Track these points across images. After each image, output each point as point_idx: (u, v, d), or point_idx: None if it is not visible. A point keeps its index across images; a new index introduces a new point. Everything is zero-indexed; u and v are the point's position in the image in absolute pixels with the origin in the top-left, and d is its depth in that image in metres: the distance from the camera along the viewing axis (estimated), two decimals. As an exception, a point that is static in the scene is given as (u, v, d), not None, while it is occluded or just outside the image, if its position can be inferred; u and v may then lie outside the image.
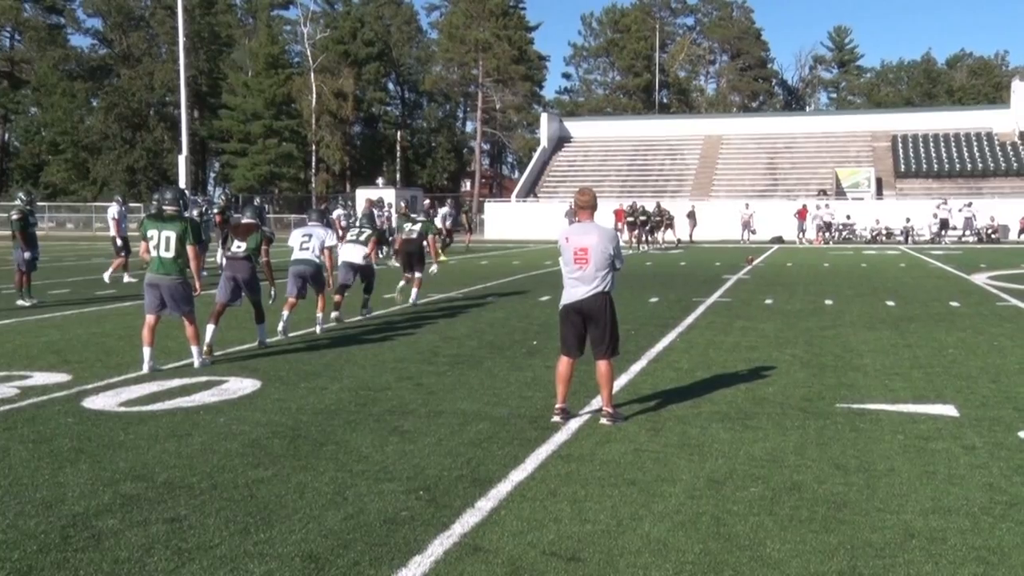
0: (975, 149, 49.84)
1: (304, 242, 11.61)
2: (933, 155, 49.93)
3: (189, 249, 8.88)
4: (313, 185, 69.63)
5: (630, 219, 35.60)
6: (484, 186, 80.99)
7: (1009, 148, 49.49)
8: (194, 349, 9.12)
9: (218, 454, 5.88)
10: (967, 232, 40.86)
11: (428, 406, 7.28)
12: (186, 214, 9.23)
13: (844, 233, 42.91)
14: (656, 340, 10.81)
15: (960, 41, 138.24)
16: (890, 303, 14.91)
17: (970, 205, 41.34)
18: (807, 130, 54.70)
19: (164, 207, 8.95)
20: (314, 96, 67.82)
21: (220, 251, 21.86)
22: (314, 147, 69.52)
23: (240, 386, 8.09)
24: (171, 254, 8.83)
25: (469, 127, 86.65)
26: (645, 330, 11.67)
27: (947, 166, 48.74)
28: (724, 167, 53.02)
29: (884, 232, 41.88)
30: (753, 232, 41.27)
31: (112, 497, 5.00)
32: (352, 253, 13.04)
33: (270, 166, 65.92)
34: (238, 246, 10.28)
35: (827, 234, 41.47)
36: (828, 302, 15.15)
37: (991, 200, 43.85)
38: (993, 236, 40.34)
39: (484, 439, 6.25)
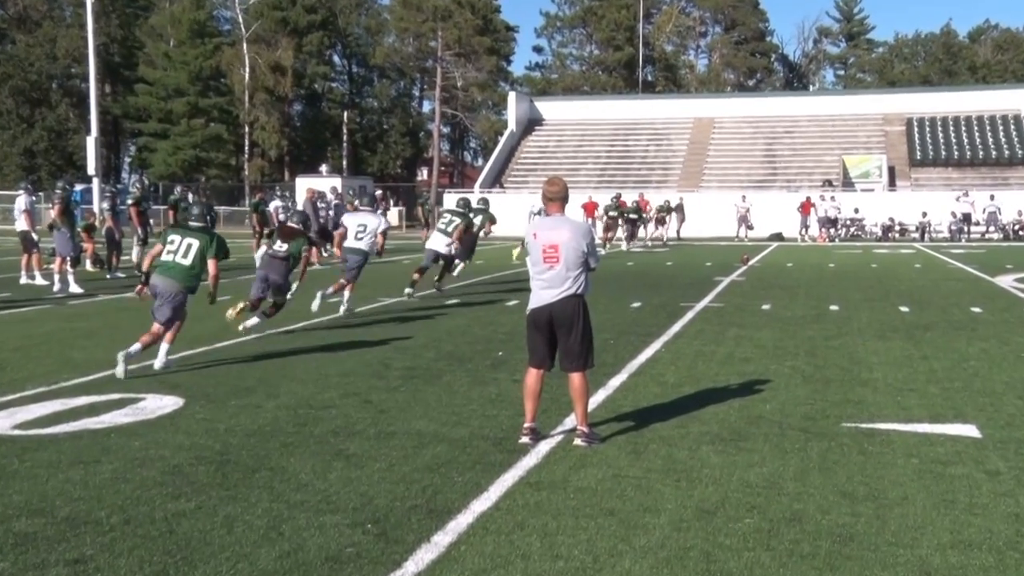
0: (1001, 134, 50.59)
1: (359, 232, 14.00)
2: (953, 141, 50.63)
3: (210, 263, 9.72)
4: (246, 172, 69.21)
5: (612, 214, 35.53)
6: (444, 175, 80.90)
7: (1038, 133, 50.36)
8: (164, 347, 9.61)
9: (132, 484, 5.82)
10: (991, 228, 41.48)
11: (377, 426, 7.27)
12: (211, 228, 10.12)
13: (852, 229, 43.41)
14: (638, 350, 10.86)
15: (984, 11, 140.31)
16: (904, 309, 15.10)
17: (993, 198, 41.97)
18: (810, 112, 55.27)
19: (191, 222, 9.94)
20: (247, 70, 67.43)
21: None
22: (247, 129, 69.09)
23: (159, 404, 8.02)
24: (187, 262, 9.59)
25: (426, 107, 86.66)
26: (626, 339, 11.71)
27: (969, 153, 49.46)
28: (716, 154, 53.44)
29: (897, 228, 42.42)
30: (751, 228, 41.64)
31: (3, 536, 4.93)
32: (438, 241, 16.53)
33: (196, 150, 65.42)
34: (280, 246, 11.96)
35: (832, 230, 41.93)
36: (833, 308, 15.31)
37: (1019, 192, 44.55)
38: (1021, 233, 40.99)
39: (442, 464, 6.24)
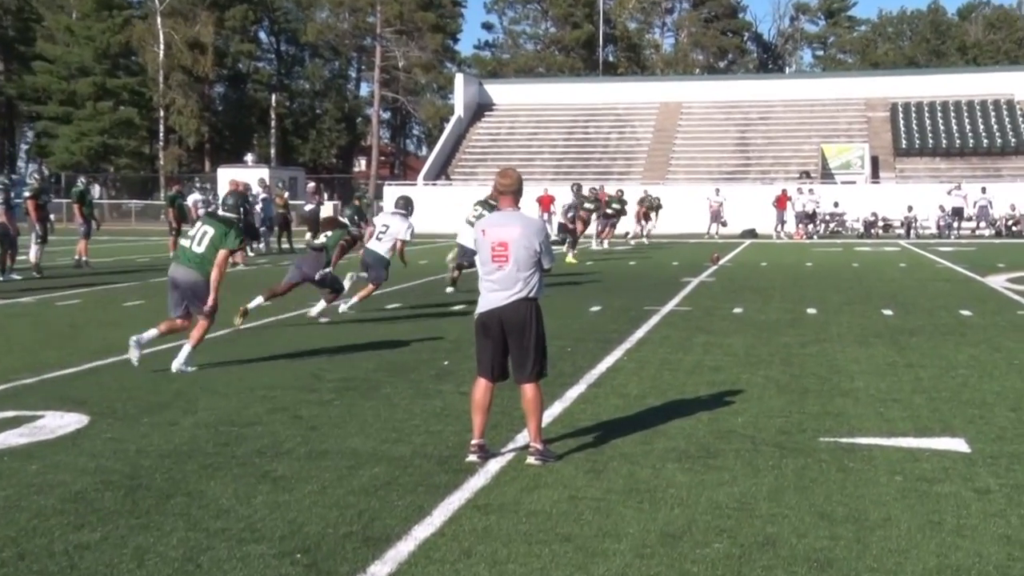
0: (992, 120, 51.51)
1: (381, 232, 14.76)
2: (941, 128, 51.47)
3: (219, 254, 10.04)
4: (161, 162, 68.57)
5: (589, 206, 33.99)
6: (383, 165, 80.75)
7: (1033, 120, 51.32)
8: (186, 350, 10.08)
9: (28, 512, 5.73)
10: (982, 224, 42.21)
11: (309, 445, 7.23)
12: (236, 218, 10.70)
13: (832, 225, 43.94)
14: (598, 359, 10.90)
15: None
16: (887, 312, 15.32)
17: (985, 191, 42.68)
18: (787, 97, 55.92)
19: (220, 211, 10.62)
20: (162, 47, 66.76)
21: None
22: (162, 113, 68.42)
23: (60, 423, 7.91)
24: (201, 249, 10.10)
25: (364, 90, 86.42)
26: (584, 347, 11.76)
27: (959, 142, 50.30)
28: (684, 143, 53.88)
29: (881, 224, 43.01)
30: (723, 224, 41.99)
31: None
32: (467, 235, 16.59)
33: (103, 137, 64.60)
34: (325, 235, 13.57)
35: (811, 226, 42.43)
36: (811, 311, 15.49)
37: (1012, 184, 45.36)
38: (1014, 228, 41.76)
39: (380, 486, 6.22)
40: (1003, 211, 42.38)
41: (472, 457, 6.79)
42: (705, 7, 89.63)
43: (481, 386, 6.90)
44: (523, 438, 7.18)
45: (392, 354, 11.30)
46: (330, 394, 9.07)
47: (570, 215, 28.20)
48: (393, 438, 7.44)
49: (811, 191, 43.56)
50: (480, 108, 58.10)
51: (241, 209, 11.00)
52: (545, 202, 39.76)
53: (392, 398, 8.89)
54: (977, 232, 41.91)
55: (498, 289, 6.79)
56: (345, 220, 13.95)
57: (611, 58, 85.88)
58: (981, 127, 51.06)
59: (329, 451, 7.08)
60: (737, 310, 15.61)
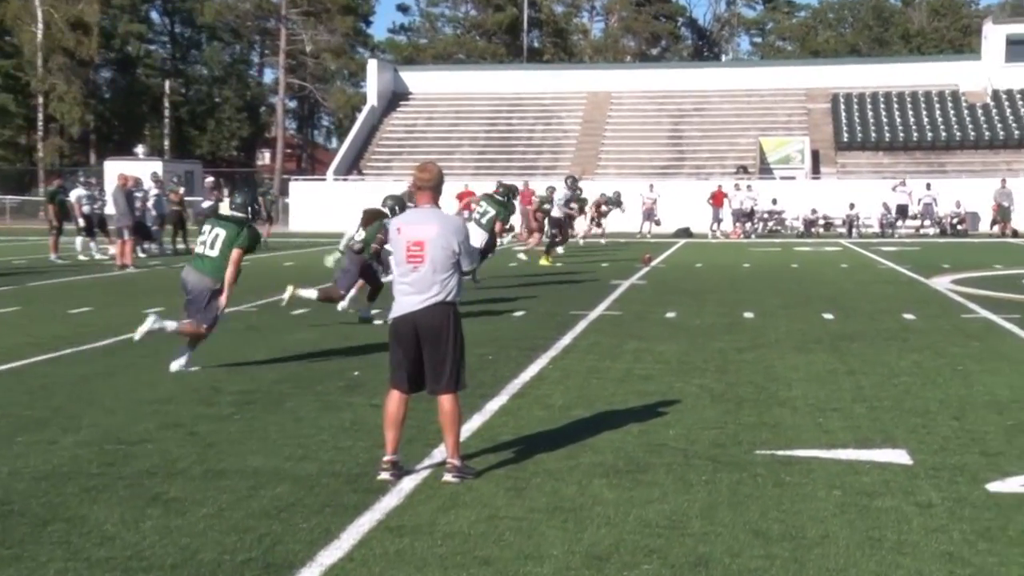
0: (937, 113, 52.64)
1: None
2: (884, 121, 52.47)
3: (234, 252, 10.58)
4: (40, 154, 67.17)
5: (547, 207, 32.57)
6: (290, 158, 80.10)
7: (980, 111, 52.53)
8: (186, 354, 10.64)
9: None
10: (926, 222, 43.14)
11: (205, 464, 7.17)
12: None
13: (770, 224, 44.57)
14: (521, 368, 10.95)
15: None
16: (828, 316, 15.58)
17: (929, 187, 43.62)
18: (723, 86, 56.55)
19: (229, 211, 11.06)
20: (40, 27, 65.45)
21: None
22: (41, 100, 67.06)
23: (-74, 442, 7.74)
24: (215, 253, 10.65)
25: (268, 77, 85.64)
26: (507, 355, 11.79)
27: (902, 135, 51.32)
28: (614, 135, 54.25)
29: (821, 222, 43.72)
30: (657, 223, 42.33)
31: None
32: (475, 236, 17.31)
33: (-26, 126, 63.26)
34: (357, 235, 14.27)
35: (748, 225, 43.00)
36: (748, 315, 15.70)
37: (957, 180, 46.44)
38: (959, 227, 42.74)
39: (283, 507, 6.19)
40: (948, 209, 43.30)
41: (384, 475, 6.77)
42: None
43: (395, 398, 6.88)
44: (440, 454, 7.18)
45: (298, 364, 11.23)
46: (229, 408, 8.99)
47: (566, 209, 28.12)
48: (298, 455, 7.40)
49: (749, 187, 44.08)
50: (395, 97, 57.89)
51: (250, 208, 11.23)
52: (464, 198, 39.77)
53: (297, 412, 8.84)
54: (921, 231, 42.83)
55: (413, 292, 6.79)
56: (386, 211, 14.29)
57: (536, 44, 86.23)
58: (925, 120, 52.13)
59: (227, 470, 7.02)
60: (670, 315, 15.77)
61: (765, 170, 49.50)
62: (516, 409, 9.02)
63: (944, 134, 51.02)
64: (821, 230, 43.32)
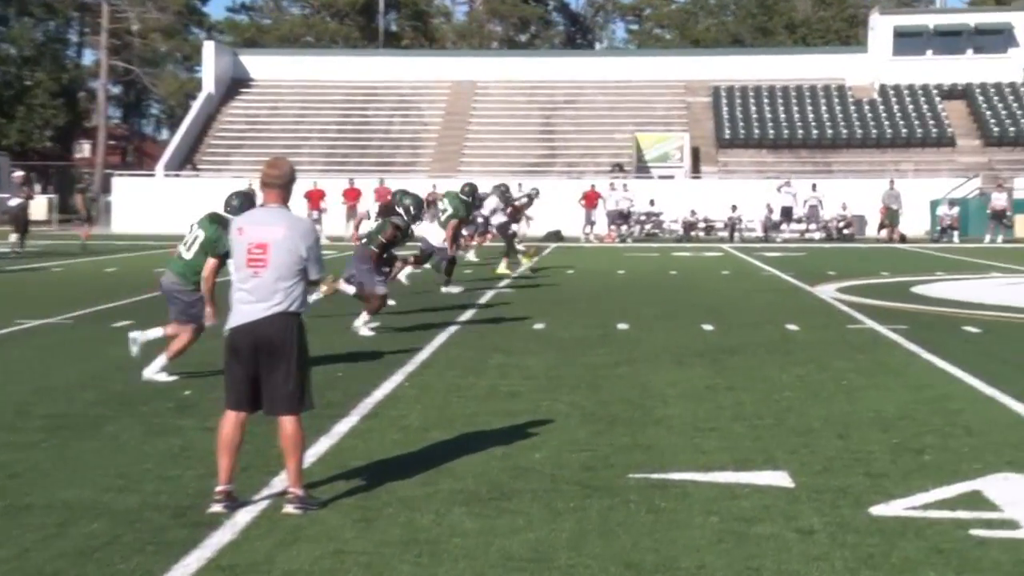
0: (823, 108, 54.14)
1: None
2: (768, 116, 53.74)
3: (209, 261, 10.71)
4: None
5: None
6: (113, 151, 78.43)
7: (867, 107, 54.18)
8: (160, 360, 10.96)
9: None
10: (812, 225, 44.24)
11: (7, 499, 6.99)
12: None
13: (647, 227, 45.16)
14: (374, 385, 10.89)
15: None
16: (707, 327, 15.86)
17: (815, 188, 44.77)
18: (597, 77, 57.23)
19: (223, 211, 11.03)
20: None
21: None
22: None
23: None
24: (190, 255, 10.95)
25: (88, 59, 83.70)
26: (358, 371, 11.73)
27: (787, 132, 52.64)
28: (480, 129, 54.45)
29: (702, 225, 44.50)
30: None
31: None
32: (435, 235, 19.63)
33: None
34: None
35: (624, 228, 43.53)
36: (622, 327, 15.89)
37: (843, 180, 47.78)
38: (845, 231, 43.93)
39: (98, 546, 6.05)
40: (834, 211, 44.44)
41: (216, 507, 6.67)
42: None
43: (230, 420, 6.79)
44: (280, 482, 7.10)
45: (120, 383, 11.00)
46: (38, 434, 8.78)
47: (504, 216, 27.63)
48: (118, 486, 7.25)
49: (624, 187, 44.66)
50: (235, 84, 57.21)
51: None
52: (314, 197, 39.56)
53: (118, 437, 8.67)
54: (807, 235, 43.90)
55: (252, 300, 6.71)
56: (401, 210, 14.99)
57: (394, 27, 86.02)
58: (811, 116, 53.52)
59: (34, 505, 6.84)
60: (538, 326, 15.87)
61: (642, 168, 50.24)
62: (368, 431, 8.97)
63: (830, 131, 52.46)
64: (701, 234, 44.09)
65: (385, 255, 14.93)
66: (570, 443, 8.59)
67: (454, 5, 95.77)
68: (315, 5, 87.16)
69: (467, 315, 17.12)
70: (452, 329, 15.44)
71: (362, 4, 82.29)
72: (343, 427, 9.06)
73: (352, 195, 41.21)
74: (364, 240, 15.04)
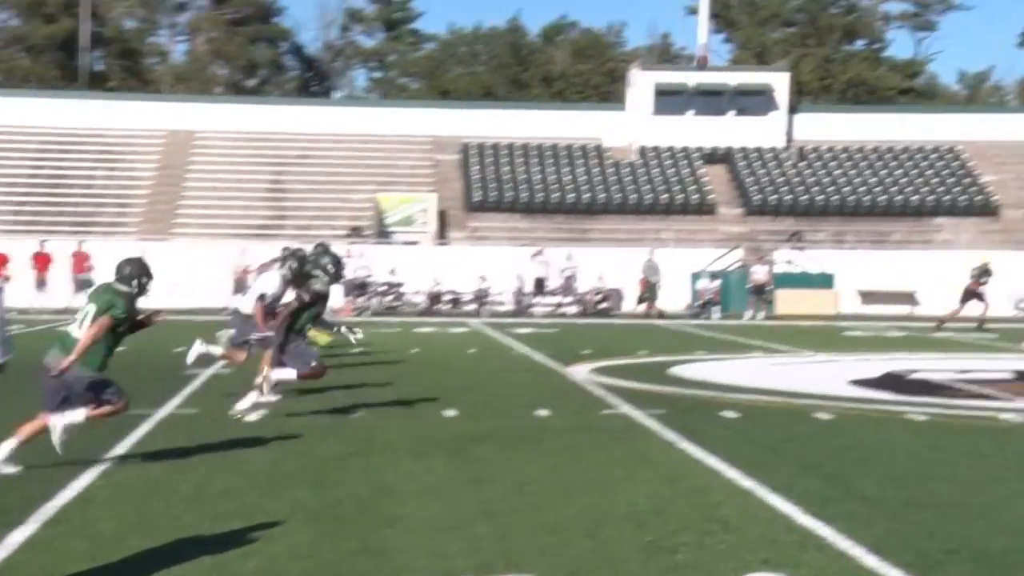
0: (580, 171, 55.45)
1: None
2: (521, 177, 54.69)
3: (100, 320, 11.06)
4: None
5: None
6: None
7: (625, 170, 55.81)
8: (8, 444, 11.03)
9: None
10: (567, 298, 45.14)
11: None
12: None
13: (387, 298, 45.19)
14: (59, 485, 10.58)
15: (559, 5, 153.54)
16: (450, 413, 15.93)
17: (570, 257, 45.78)
18: (334, 130, 57.31)
19: (116, 285, 11.40)
20: None
21: None
22: None
23: None
24: (81, 332, 11.15)
25: None
26: (42, 470, 11.29)
27: (541, 195, 53.66)
28: (198, 185, 53.69)
29: (448, 297, 44.83)
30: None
31: None
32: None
33: None
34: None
35: (360, 299, 43.47)
36: (356, 414, 15.84)
37: (600, 248, 48.96)
38: (602, 305, 44.95)
39: None
40: (590, 283, 45.48)
41: None
42: (230, 5, 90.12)
43: None
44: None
45: None
46: None
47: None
48: None
49: (362, 255, 44.68)
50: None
51: (135, 282, 11.48)
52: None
53: None
54: (561, 308, 44.75)
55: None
56: (318, 272, 15.51)
57: (100, 67, 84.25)
58: (567, 178, 54.70)
59: None
60: (255, 416, 15.61)
61: (383, 233, 50.34)
62: (50, 541, 8.66)
63: (587, 195, 53.76)
64: (448, 307, 44.43)
65: (297, 320, 15.21)
66: (289, 549, 8.47)
67: (172, 43, 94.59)
68: (5, 38, 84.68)
69: (176, 401, 16.75)
70: (158, 417, 15.08)
71: (62, 39, 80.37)
72: (18, 536, 8.73)
73: (42, 261, 39.74)
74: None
